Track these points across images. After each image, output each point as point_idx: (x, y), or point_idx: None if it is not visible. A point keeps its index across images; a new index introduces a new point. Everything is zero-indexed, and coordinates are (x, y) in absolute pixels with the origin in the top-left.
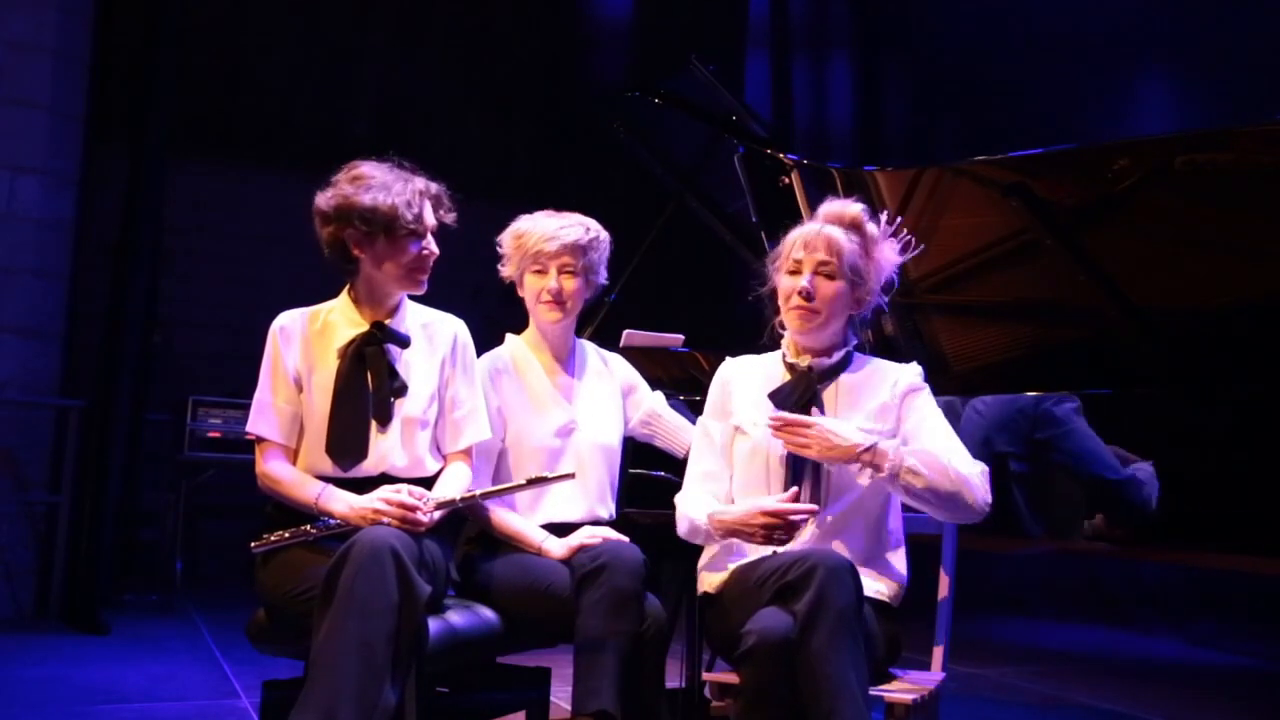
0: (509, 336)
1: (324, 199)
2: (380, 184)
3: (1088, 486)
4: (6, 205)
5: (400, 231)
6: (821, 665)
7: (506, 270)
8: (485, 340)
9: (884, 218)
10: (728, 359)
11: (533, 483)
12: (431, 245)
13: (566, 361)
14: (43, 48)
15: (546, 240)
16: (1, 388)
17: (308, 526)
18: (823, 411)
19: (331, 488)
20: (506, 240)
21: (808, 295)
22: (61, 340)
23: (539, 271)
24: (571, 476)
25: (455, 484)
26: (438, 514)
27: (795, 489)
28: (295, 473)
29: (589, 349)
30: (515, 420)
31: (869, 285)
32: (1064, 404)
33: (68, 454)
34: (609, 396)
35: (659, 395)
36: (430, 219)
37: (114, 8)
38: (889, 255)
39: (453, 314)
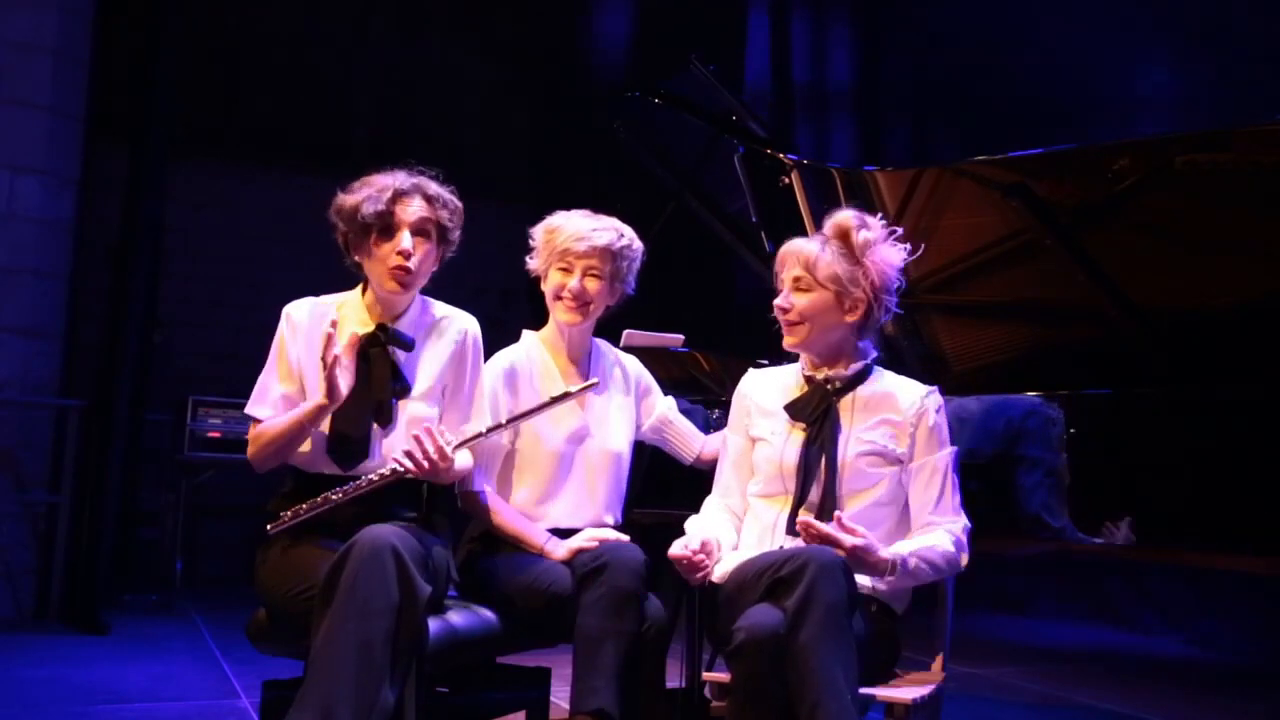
0: (525, 333)
1: (333, 203)
2: (366, 184)
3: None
4: (6, 205)
5: (369, 227)
6: (808, 659)
7: (534, 264)
8: (486, 339)
9: (879, 219)
10: (750, 370)
11: (555, 400)
12: (403, 242)
13: (583, 364)
14: (43, 48)
15: (577, 240)
16: (1, 388)
17: (324, 495)
18: (838, 423)
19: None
20: (538, 234)
21: (783, 310)
22: (61, 340)
23: (564, 269)
24: (594, 385)
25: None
26: (458, 460)
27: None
28: (272, 422)
29: (606, 351)
30: (529, 424)
31: (860, 291)
32: (1053, 428)
33: (68, 454)
34: (622, 403)
35: (670, 400)
36: (406, 216)
37: (114, 8)
38: (886, 257)
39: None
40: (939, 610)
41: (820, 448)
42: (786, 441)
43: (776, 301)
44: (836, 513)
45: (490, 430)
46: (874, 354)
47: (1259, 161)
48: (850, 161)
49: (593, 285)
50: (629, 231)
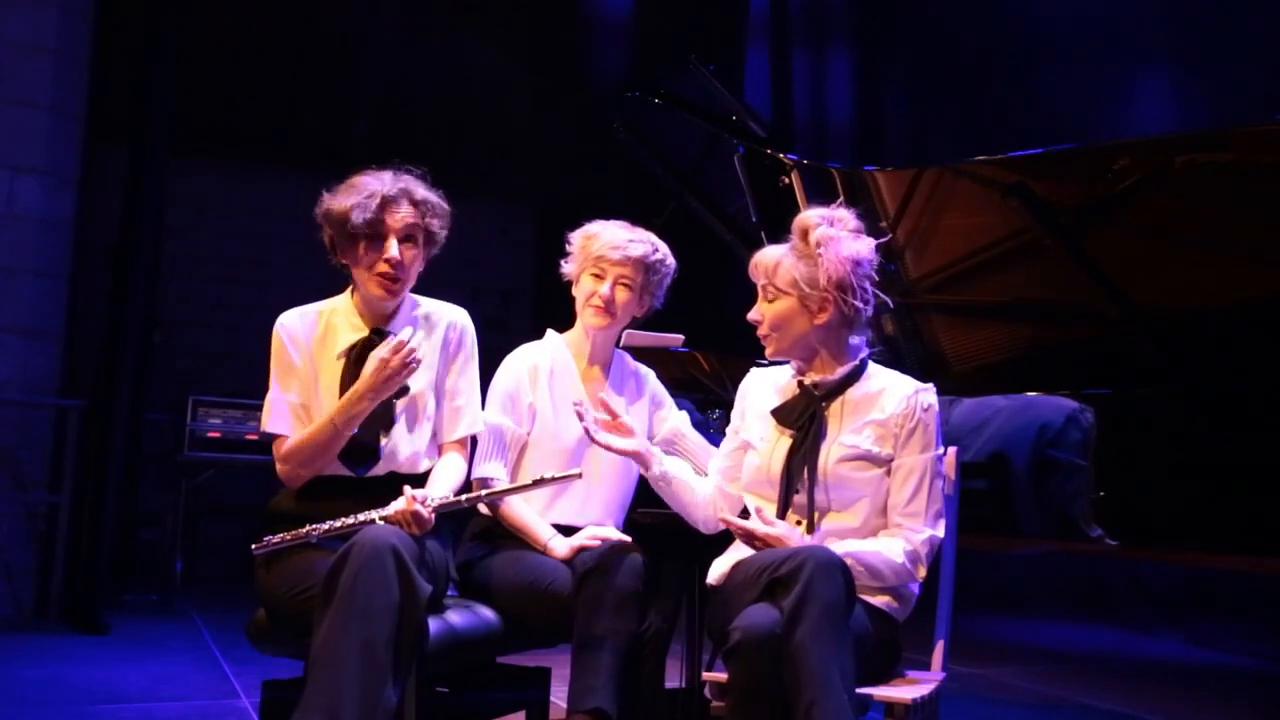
0: (550, 333)
1: (318, 207)
2: (352, 188)
3: (1053, 499)
4: (6, 205)
5: (357, 235)
6: (805, 657)
7: (568, 268)
8: (485, 339)
9: (853, 213)
10: (753, 369)
11: (538, 483)
12: (391, 250)
13: (603, 370)
14: (43, 48)
15: (613, 248)
16: (1, 388)
17: (308, 528)
18: (824, 429)
19: (337, 407)
20: (576, 239)
21: (755, 322)
22: (61, 340)
23: (597, 276)
24: (578, 476)
25: (450, 475)
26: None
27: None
28: (299, 435)
29: (626, 361)
30: (543, 419)
31: (821, 291)
32: (1090, 434)
33: (68, 454)
34: (638, 412)
35: (684, 415)
36: (394, 223)
37: (114, 8)
38: (842, 251)
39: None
40: (939, 610)
41: (804, 457)
42: (774, 448)
43: (749, 314)
44: (756, 506)
45: (470, 500)
46: (864, 352)
47: (1259, 161)
48: (849, 161)
49: (622, 294)
50: (664, 247)
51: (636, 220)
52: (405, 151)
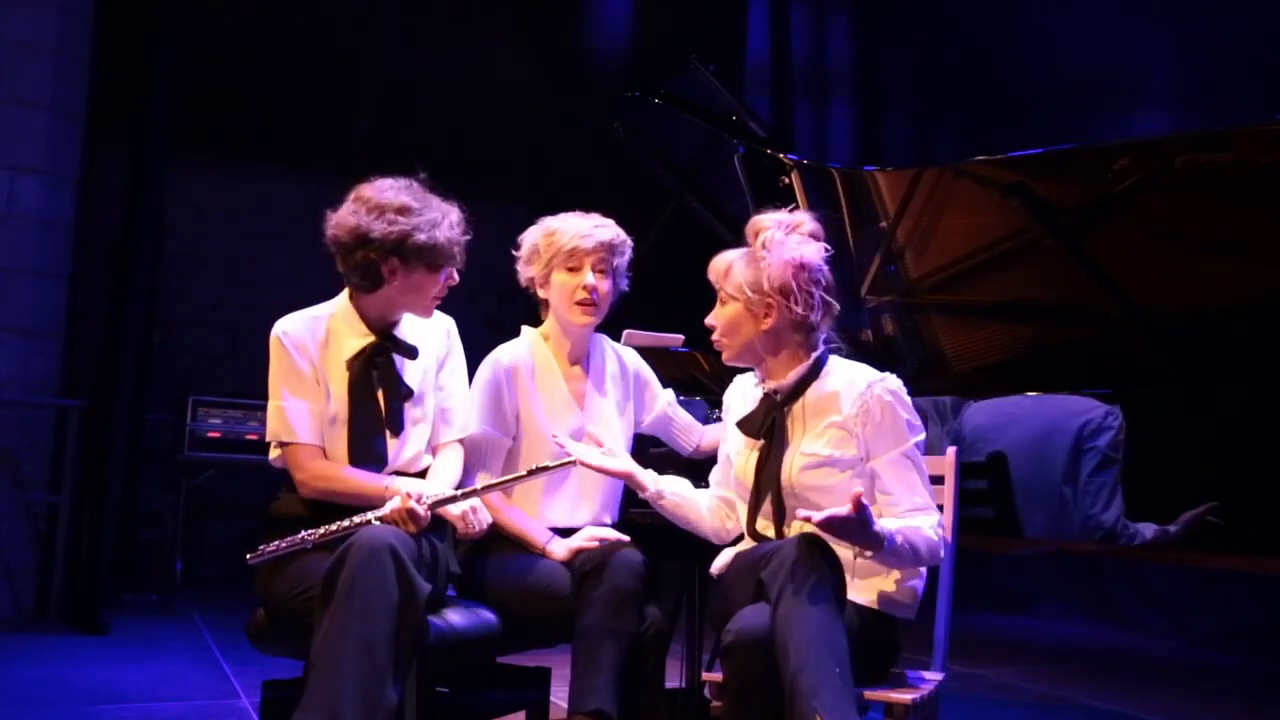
0: (525, 330)
1: (379, 228)
2: (430, 220)
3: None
4: (6, 205)
5: (447, 265)
6: (787, 629)
7: (530, 270)
8: (484, 340)
9: (811, 216)
10: (737, 378)
11: (532, 473)
12: (455, 277)
13: (584, 363)
14: (43, 48)
15: (582, 238)
16: (1, 388)
17: (303, 535)
18: (785, 437)
19: (398, 480)
20: (537, 238)
21: (709, 328)
22: (61, 340)
23: (573, 269)
24: (572, 463)
25: (447, 470)
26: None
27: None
28: (351, 478)
29: (606, 346)
30: (530, 420)
31: (764, 296)
32: (1121, 433)
33: (68, 454)
34: (622, 401)
35: (670, 393)
36: (459, 252)
37: (114, 8)
38: (786, 255)
39: (449, 314)
40: (939, 610)
41: (769, 469)
42: (747, 460)
43: (706, 319)
44: (856, 491)
45: (465, 494)
46: (817, 352)
47: (1259, 161)
48: (850, 151)
49: (604, 283)
50: (619, 228)
51: (637, 220)
52: (405, 151)
